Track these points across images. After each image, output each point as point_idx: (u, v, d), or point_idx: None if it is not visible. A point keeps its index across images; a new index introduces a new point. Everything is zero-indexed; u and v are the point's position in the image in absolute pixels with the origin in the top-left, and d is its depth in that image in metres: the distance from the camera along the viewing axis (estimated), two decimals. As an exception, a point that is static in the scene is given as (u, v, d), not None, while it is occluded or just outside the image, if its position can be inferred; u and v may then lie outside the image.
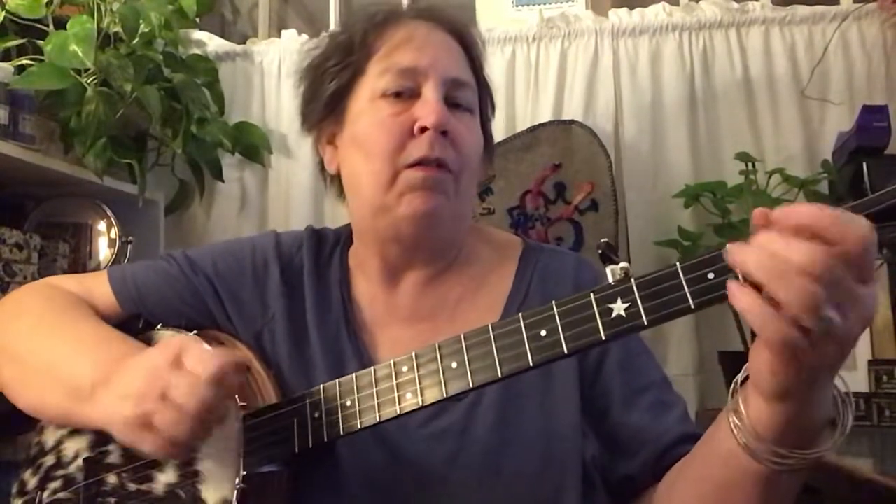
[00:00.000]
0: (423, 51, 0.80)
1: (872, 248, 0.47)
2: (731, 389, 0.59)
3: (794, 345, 0.48)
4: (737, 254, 0.50)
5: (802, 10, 1.74)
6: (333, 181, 0.89)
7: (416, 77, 0.79)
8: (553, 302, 0.59)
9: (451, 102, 0.79)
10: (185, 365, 0.64)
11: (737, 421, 0.57)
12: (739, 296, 0.50)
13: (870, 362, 1.27)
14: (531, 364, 0.59)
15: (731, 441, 0.57)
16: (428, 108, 0.77)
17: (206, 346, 0.66)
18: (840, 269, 0.47)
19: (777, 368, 0.51)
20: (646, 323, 0.55)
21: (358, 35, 0.82)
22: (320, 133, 0.86)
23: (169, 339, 0.68)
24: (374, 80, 0.80)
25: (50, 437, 0.84)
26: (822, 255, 0.46)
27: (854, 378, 1.27)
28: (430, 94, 0.78)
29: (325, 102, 0.83)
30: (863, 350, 1.29)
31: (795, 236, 0.47)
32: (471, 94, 0.83)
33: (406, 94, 0.79)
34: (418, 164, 0.76)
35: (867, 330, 1.28)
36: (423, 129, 0.76)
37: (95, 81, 1.43)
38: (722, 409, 0.60)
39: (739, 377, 0.58)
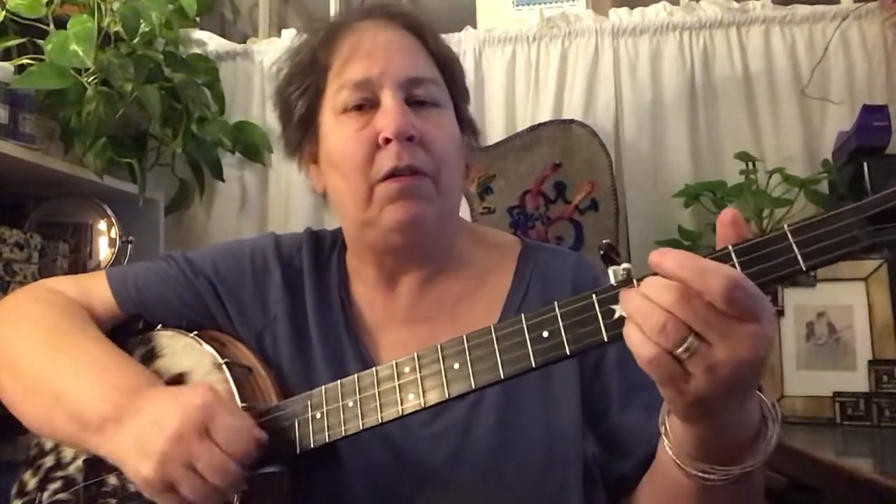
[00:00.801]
0: (372, 58, 0.78)
1: (737, 291, 0.49)
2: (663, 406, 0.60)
3: (665, 367, 0.51)
4: (626, 301, 0.54)
5: (803, 9, 1.74)
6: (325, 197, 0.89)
7: (372, 87, 0.77)
8: (555, 303, 0.59)
9: (413, 101, 0.78)
10: (213, 436, 0.65)
11: (664, 439, 0.60)
12: (625, 330, 0.54)
13: (870, 362, 1.27)
14: (533, 365, 0.59)
15: (665, 453, 0.60)
16: (387, 118, 0.75)
17: (231, 412, 0.67)
18: (697, 305, 0.50)
19: (663, 391, 0.54)
20: None
21: (309, 55, 0.82)
22: (302, 154, 0.86)
23: (192, 398, 0.67)
24: (334, 98, 0.79)
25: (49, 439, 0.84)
26: (676, 295, 0.51)
27: (854, 378, 1.27)
28: (388, 101, 0.77)
29: (296, 126, 0.83)
30: (863, 350, 1.29)
31: (665, 281, 0.52)
32: (433, 88, 0.80)
33: (367, 106, 0.78)
34: (390, 176, 0.75)
35: (868, 331, 1.28)
36: (388, 140, 0.75)
37: (95, 81, 1.43)
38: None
39: None
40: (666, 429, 0.59)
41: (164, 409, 0.66)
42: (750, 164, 1.57)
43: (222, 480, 0.64)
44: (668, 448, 0.59)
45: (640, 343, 0.52)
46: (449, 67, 0.85)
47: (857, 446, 1.13)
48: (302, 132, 0.83)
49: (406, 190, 0.76)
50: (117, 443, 0.67)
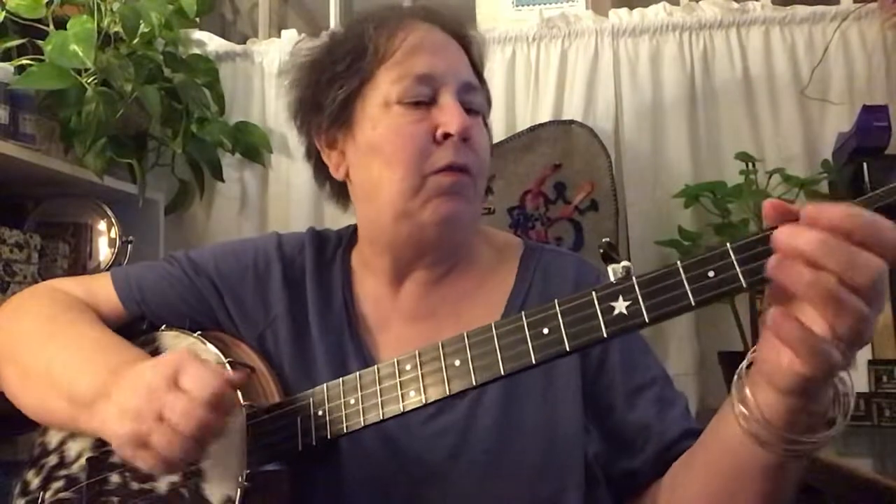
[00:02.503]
0: (437, 56, 0.80)
1: None
2: (735, 378, 0.58)
3: (830, 357, 0.49)
4: (790, 274, 0.48)
5: (802, 10, 1.74)
6: (334, 186, 0.89)
7: (433, 83, 0.78)
8: (555, 300, 0.60)
9: (465, 107, 0.79)
10: (182, 384, 0.64)
11: (744, 410, 0.56)
12: (785, 325, 0.50)
13: (870, 362, 1.27)
14: (533, 362, 0.60)
15: (737, 431, 0.57)
16: (450, 115, 0.77)
17: (202, 364, 0.66)
18: (887, 283, 0.47)
19: (806, 371, 0.50)
20: (647, 320, 0.56)
21: (366, 39, 0.81)
22: (322, 139, 0.85)
23: (166, 356, 0.67)
24: (388, 87, 0.78)
25: (53, 438, 0.84)
26: (882, 273, 0.47)
27: (854, 378, 1.27)
28: (450, 100, 0.78)
29: (335, 110, 0.82)
30: (863, 350, 1.29)
31: (851, 245, 0.47)
32: (480, 97, 0.83)
33: (424, 101, 0.78)
34: (445, 169, 0.76)
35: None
36: (447, 136, 0.76)
37: (95, 81, 1.43)
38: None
39: (743, 365, 0.58)
40: (747, 405, 0.56)
41: (140, 371, 0.66)
42: (750, 164, 1.57)
43: (190, 427, 0.62)
44: (749, 422, 0.56)
45: (801, 339, 0.48)
46: (483, 77, 0.87)
47: (857, 446, 1.13)
48: (336, 116, 0.82)
49: (457, 185, 0.77)
50: (104, 414, 0.66)
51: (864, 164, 1.46)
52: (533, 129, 1.70)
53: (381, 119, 0.79)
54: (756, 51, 1.74)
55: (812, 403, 0.54)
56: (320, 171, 0.89)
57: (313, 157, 0.89)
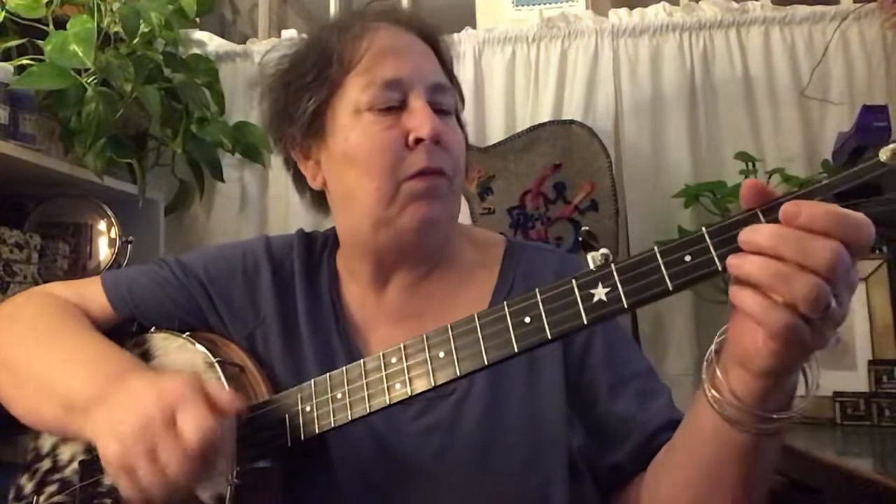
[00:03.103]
0: (403, 59, 0.79)
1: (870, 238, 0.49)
2: (704, 363, 0.60)
3: (799, 333, 0.50)
4: (739, 266, 0.51)
5: (802, 9, 1.74)
6: (314, 194, 0.89)
7: (402, 87, 0.78)
8: (537, 290, 0.60)
9: (435, 108, 0.79)
10: (179, 425, 0.61)
11: (716, 395, 0.58)
12: (742, 297, 0.52)
13: (870, 362, 1.27)
14: (516, 350, 0.60)
15: (712, 417, 0.58)
16: (420, 119, 0.76)
17: (202, 402, 0.63)
18: (849, 263, 0.49)
19: (779, 351, 0.52)
20: (626, 306, 0.56)
21: (331, 47, 0.81)
22: (301, 149, 0.85)
23: (169, 381, 0.64)
24: (357, 94, 0.78)
25: (46, 442, 0.84)
26: (842, 254, 0.48)
27: (854, 378, 1.27)
28: (419, 103, 0.78)
29: (306, 121, 0.82)
30: (863, 350, 1.29)
31: (809, 234, 0.49)
32: (450, 96, 0.83)
33: (395, 107, 0.78)
34: (419, 174, 0.76)
35: (868, 331, 1.29)
36: (418, 141, 0.76)
37: (95, 81, 1.43)
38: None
39: (712, 349, 0.59)
40: (719, 389, 0.57)
41: (139, 390, 0.64)
42: (750, 164, 1.57)
43: (179, 475, 0.60)
44: (722, 406, 0.57)
45: (762, 309, 0.50)
46: (453, 75, 0.87)
47: (857, 446, 1.14)
48: (308, 127, 0.82)
49: (432, 189, 0.77)
50: (95, 421, 0.65)
51: (864, 164, 1.46)
52: (533, 129, 1.70)
53: (352, 128, 0.79)
54: (756, 51, 1.74)
55: (785, 382, 0.55)
56: (298, 180, 0.90)
57: (291, 167, 0.89)
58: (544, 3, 1.87)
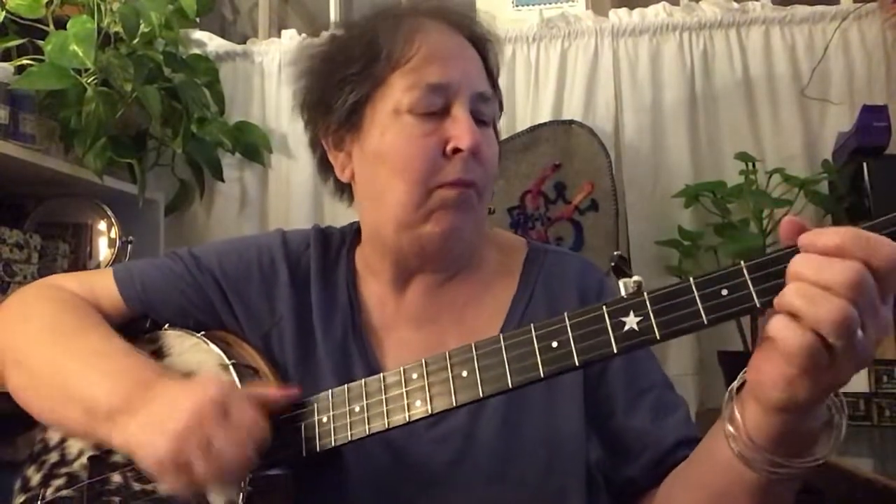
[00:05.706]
0: (451, 64, 0.77)
1: None
2: (726, 398, 0.59)
3: (816, 357, 0.49)
4: (782, 301, 0.50)
5: (802, 9, 1.74)
6: (338, 183, 0.87)
7: (446, 93, 0.76)
8: (565, 314, 0.59)
9: (476, 118, 0.77)
10: (231, 417, 0.64)
11: (732, 430, 0.57)
12: (770, 321, 0.50)
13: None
14: (542, 375, 0.59)
15: (726, 450, 0.58)
16: (462, 129, 0.75)
17: (247, 398, 0.66)
18: (872, 286, 0.48)
19: (793, 379, 0.50)
20: (658, 337, 0.55)
21: (381, 41, 0.78)
22: (329, 139, 0.84)
23: (207, 383, 0.67)
24: (400, 94, 0.76)
25: (54, 435, 0.83)
26: (861, 273, 0.47)
27: (854, 378, 1.27)
28: (462, 113, 0.76)
29: (344, 113, 0.80)
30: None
31: (828, 257, 0.48)
32: (492, 106, 0.81)
33: (437, 112, 0.76)
34: (451, 184, 0.75)
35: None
36: (456, 150, 0.75)
37: (95, 81, 1.43)
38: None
39: (734, 385, 0.58)
40: (735, 424, 0.56)
41: (182, 391, 0.66)
42: (750, 164, 1.57)
43: (237, 463, 0.62)
44: (737, 442, 0.56)
45: (787, 329, 0.49)
46: (497, 85, 0.85)
47: (857, 446, 1.13)
48: (345, 119, 0.80)
49: (461, 200, 0.76)
50: (131, 430, 0.65)
51: (864, 164, 1.46)
52: (533, 129, 1.70)
53: (390, 127, 0.77)
54: (756, 51, 1.74)
55: (800, 425, 0.54)
56: (324, 166, 0.87)
57: (318, 151, 0.87)
58: (544, 4, 1.87)
